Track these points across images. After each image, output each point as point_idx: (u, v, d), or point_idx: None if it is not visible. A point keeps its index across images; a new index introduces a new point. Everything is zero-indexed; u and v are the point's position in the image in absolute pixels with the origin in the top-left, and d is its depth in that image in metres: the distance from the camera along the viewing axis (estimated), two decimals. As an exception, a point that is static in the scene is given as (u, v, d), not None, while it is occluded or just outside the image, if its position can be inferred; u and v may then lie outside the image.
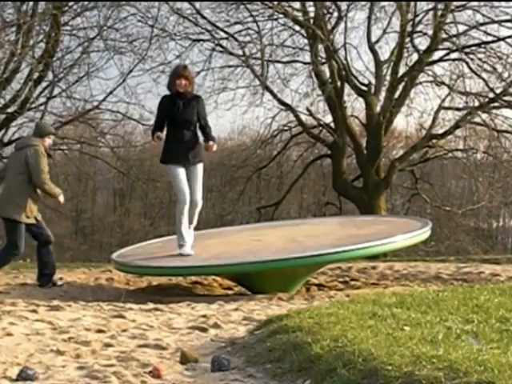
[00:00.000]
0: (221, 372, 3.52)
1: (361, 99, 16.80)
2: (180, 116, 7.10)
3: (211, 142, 7.26)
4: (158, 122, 7.28)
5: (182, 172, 7.13)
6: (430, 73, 16.87)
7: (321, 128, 17.42)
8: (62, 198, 7.87)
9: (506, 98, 16.11)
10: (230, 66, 16.88)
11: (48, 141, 7.79)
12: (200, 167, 7.23)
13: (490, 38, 15.96)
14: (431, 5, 16.14)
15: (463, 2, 16.19)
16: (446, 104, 16.38)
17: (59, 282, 7.86)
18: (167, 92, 7.37)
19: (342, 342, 3.30)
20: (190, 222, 7.34)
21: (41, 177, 7.48)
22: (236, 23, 16.42)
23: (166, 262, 7.27)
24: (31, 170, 7.49)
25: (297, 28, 16.64)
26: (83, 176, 28.62)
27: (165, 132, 7.27)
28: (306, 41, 16.48)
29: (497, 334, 3.39)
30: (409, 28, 15.91)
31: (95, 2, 15.11)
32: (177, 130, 7.12)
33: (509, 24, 15.86)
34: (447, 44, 16.34)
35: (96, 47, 15.55)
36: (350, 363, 3.01)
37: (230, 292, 8.09)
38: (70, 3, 15.20)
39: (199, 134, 7.31)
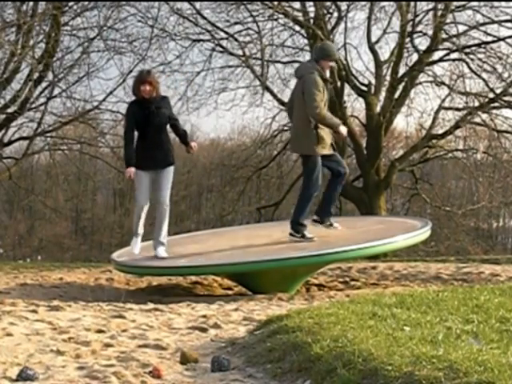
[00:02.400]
0: (221, 372, 3.52)
1: (361, 99, 16.81)
2: (153, 121, 7.17)
3: (193, 144, 7.49)
4: (131, 131, 7.26)
5: (146, 178, 7.23)
6: (430, 73, 16.88)
7: (321, 128, 17.39)
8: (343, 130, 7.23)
9: (506, 98, 16.10)
10: (230, 66, 16.90)
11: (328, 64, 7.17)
12: (171, 170, 7.31)
13: (490, 38, 15.95)
14: (431, 5, 16.14)
15: (463, 2, 16.18)
16: (446, 104, 16.39)
17: (335, 225, 7.54)
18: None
19: (342, 342, 3.30)
20: (160, 228, 7.33)
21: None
22: (236, 23, 16.42)
23: (166, 262, 7.27)
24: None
25: (297, 28, 16.65)
26: (83, 176, 28.65)
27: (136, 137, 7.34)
28: (306, 41, 16.49)
29: (497, 334, 3.39)
30: (409, 28, 15.91)
31: (95, 1, 15.11)
32: (149, 135, 7.18)
33: (509, 24, 15.86)
34: (447, 44, 16.34)
35: (96, 47, 15.55)
36: (349, 363, 3.01)
37: (230, 292, 8.09)
38: (70, 3, 15.19)
39: (168, 135, 7.44)
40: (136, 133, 7.27)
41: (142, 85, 7.17)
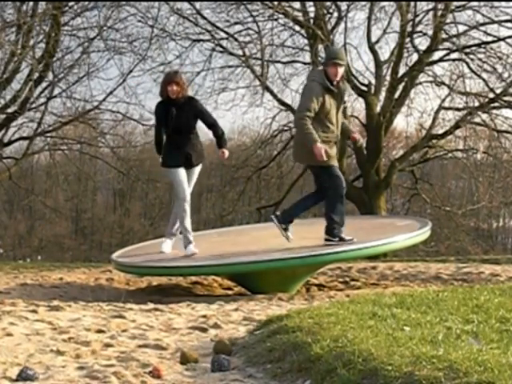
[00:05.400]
0: (221, 372, 3.52)
1: (361, 99, 16.81)
2: (174, 122, 7.18)
3: (225, 151, 7.40)
4: (159, 130, 7.35)
5: (183, 173, 7.28)
6: (430, 73, 16.88)
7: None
8: (320, 151, 6.57)
9: (506, 98, 16.11)
10: (230, 66, 16.90)
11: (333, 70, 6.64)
12: (199, 168, 7.45)
13: (490, 38, 15.96)
14: (431, 5, 16.14)
15: (463, 2, 16.19)
16: (446, 104, 16.39)
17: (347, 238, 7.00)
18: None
19: (342, 342, 3.30)
20: (175, 223, 7.54)
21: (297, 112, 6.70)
22: (236, 23, 16.43)
23: (165, 262, 7.27)
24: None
25: (297, 28, 16.65)
26: (83, 176, 28.68)
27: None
28: (306, 41, 16.49)
29: (497, 334, 3.39)
30: (409, 28, 15.91)
31: (95, 1, 15.12)
32: (175, 136, 7.23)
33: (509, 24, 15.87)
34: (447, 44, 16.34)
35: (96, 47, 15.58)
36: (350, 363, 3.01)
37: (230, 292, 8.09)
38: (70, 3, 15.21)
39: (198, 135, 7.48)
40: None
41: (168, 85, 7.15)
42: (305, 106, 6.65)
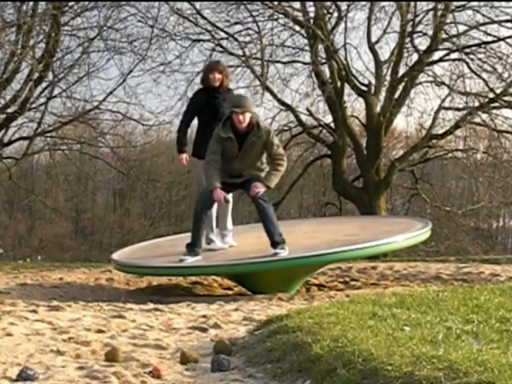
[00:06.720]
0: (221, 372, 3.52)
1: (361, 99, 16.81)
2: (219, 111, 7.10)
3: None
4: (189, 119, 7.27)
5: None
6: (429, 73, 16.89)
7: (321, 128, 17.41)
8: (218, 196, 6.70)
9: (506, 98, 16.11)
10: (230, 67, 16.81)
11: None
12: None
13: (490, 38, 15.97)
14: (431, 5, 16.15)
15: (463, 2, 16.20)
16: (446, 104, 16.40)
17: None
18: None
19: (342, 342, 3.30)
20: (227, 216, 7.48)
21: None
22: (236, 23, 16.44)
23: (165, 262, 7.27)
24: None
25: (297, 28, 16.65)
26: (83, 176, 28.65)
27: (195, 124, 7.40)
28: (306, 41, 16.49)
29: (497, 334, 3.39)
30: (409, 28, 15.92)
31: (95, 1, 15.13)
32: (213, 125, 7.05)
33: (509, 24, 15.88)
34: (447, 44, 16.35)
35: (96, 47, 15.58)
36: (350, 363, 3.00)
37: (230, 292, 8.08)
38: (70, 3, 15.22)
39: None
40: (196, 121, 7.26)
41: (210, 73, 7.13)
42: (209, 150, 6.80)
